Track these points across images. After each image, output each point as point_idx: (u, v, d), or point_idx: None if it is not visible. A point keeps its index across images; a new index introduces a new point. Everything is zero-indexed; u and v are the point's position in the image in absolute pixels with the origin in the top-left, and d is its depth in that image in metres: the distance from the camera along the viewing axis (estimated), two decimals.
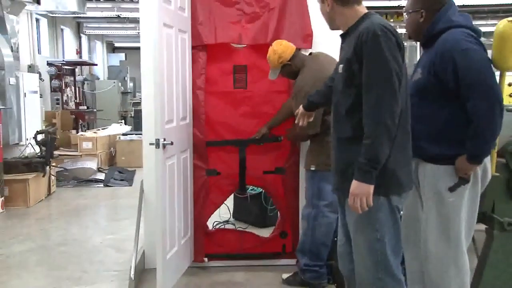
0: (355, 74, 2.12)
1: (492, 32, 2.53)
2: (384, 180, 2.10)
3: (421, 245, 2.55)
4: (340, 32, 2.33)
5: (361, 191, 2.06)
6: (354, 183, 2.08)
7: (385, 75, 2.03)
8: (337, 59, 2.38)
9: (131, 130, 10.67)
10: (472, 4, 10.84)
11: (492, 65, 2.42)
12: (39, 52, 11.65)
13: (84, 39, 15.95)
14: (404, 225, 2.61)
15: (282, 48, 3.41)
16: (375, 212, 2.13)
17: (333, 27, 2.36)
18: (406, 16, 2.61)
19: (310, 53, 3.57)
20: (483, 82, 2.30)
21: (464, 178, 2.41)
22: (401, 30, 10.25)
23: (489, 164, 2.53)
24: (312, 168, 3.38)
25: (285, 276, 3.63)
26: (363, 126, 2.07)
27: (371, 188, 2.06)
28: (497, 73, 2.50)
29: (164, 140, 3.07)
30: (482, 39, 2.45)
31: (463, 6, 10.41)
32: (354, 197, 2.08)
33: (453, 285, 2.46)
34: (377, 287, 2.20)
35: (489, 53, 2.48)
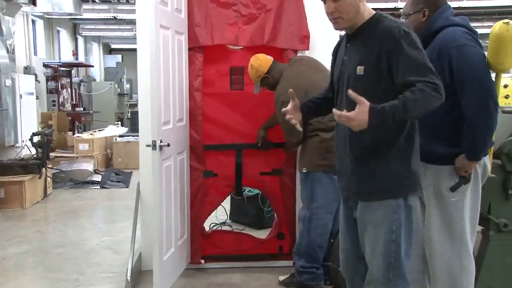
0: (382, 75, 2.05)
1: (488, 34, 2.54)
2: (409, 180, 2.12)
3: (425, 245, 2.55)
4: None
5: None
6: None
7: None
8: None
9: (127, 132, 10.63)
10: (468, 6, 10.89)
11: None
12: (35, 53, 11.63)
13: (80, 40, 15.94)
14: None
15: (258, 62, 3.48)
16: (392, 213, 2.13)
17: (356, 20, 2.13)
18: (404, 19, 2.58)
19: (290, 59, 3.58)
20: (477, 79, 2.30)
21: (465, 177, 2.42)
22: None
23: (489, 162, 2.54)
24: (304, 170, 3.38)
25: (281, 278, 3.63)
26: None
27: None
28: (493, 75, 2.51)
29: (161, 141, 3.07)
30: None
31: (459, 8, 10.46)
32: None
33: (459, 285, 2.47)
34: None
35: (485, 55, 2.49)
